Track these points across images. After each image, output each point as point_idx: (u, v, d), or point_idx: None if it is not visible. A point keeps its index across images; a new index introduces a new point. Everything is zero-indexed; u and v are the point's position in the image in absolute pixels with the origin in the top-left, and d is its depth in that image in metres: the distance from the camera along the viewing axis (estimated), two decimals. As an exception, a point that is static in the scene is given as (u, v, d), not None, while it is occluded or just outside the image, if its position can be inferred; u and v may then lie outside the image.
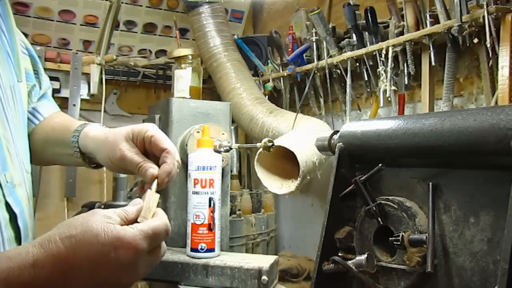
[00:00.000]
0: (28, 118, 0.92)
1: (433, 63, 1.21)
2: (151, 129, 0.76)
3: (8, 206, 0.72)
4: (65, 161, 0.93)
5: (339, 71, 1.50)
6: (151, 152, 0.76)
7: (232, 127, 1.55)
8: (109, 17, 1.75)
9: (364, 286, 0.79)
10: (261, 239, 1.50)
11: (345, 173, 0.84)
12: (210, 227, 1.08)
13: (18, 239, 0.74)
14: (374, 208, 0.75)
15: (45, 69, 1.74)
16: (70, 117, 0.99)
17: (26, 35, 1.40)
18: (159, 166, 0.74)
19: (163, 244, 0.64)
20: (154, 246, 0.60)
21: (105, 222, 0.56)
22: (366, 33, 1.38)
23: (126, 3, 1.90)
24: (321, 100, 1.63)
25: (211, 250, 1.09)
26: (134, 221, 0.61)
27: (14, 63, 0.83)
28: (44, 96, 0.99)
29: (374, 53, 1.34)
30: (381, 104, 1.32)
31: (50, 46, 1.91)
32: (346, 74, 1.45)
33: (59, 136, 0.89)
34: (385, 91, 1.30)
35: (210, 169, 1.09)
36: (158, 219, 0.62)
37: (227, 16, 2.00)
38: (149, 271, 0.60)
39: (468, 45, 1.11)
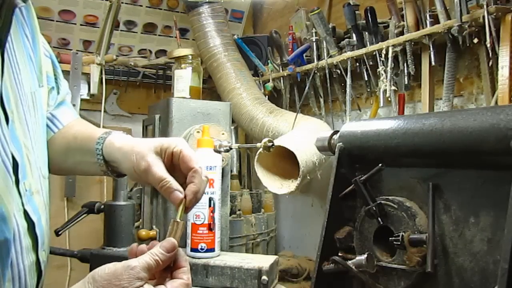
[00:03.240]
0: (46, 125, 0.90)
1: (433, 63, 1.21)
2: (180, 145, 0.73)
3: (26, 214, 0.71)
4: (87, 170, 0.90)
5: (339, 71, 1.50)
6: (179, 168, 0.74)
7: (232, 127, 1.55)
8: (109, 17, 1.75)
9: (364, 286, 0.79)
10: (261, 239, 1.50)
11: (345, 173, 0.84)
12: (210, 227, 1.08)
13: (35, 247, 0.74)
14: (374, 208, 0.75)
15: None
16: (91, 125, 0.96)
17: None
18: (185, 184, 0.72)
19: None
20: None
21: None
22: (366, 33, 1.38)
23: (126, 3, 1.90)
24: (321, 100, 1.63)
25: (211, 250, 1.09)
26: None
27: (36, 67, 0.83)
28: (63, 103, 0.97)
29: (374, 53, 1.34)
30: (381, 104, 1.32)
31: (50, 46, 1.90)
32: (346, 74, 1.45)
33: (82, 144, 0.87)
34: (385, 91, 1.30)
35: (210, 169, 1.09)
36: (179, 284, 0.64)
37: (227, 16, 2.00)
38: None
39: (468, 45, 1.11)
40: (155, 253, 0.62)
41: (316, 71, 1.56)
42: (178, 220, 0.68)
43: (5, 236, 0.64)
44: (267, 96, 1.78)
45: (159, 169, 0.73)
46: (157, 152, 0.74)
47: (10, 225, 0.65)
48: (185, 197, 0.71)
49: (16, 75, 0.74)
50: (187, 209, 0.71)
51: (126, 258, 0.63)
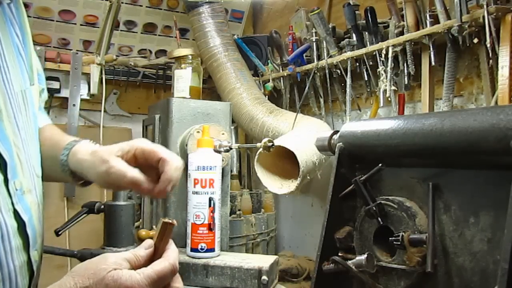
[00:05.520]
0: None
1: (433, 63, 1.21)
2: (141, 144, 0.76)
3: (16, 214, 0.71)
4: (53, 177, 0.90)
5: (339, 71, 1.50)
6: (147, 166, 0.76)
7: (232, 127, 1.55)
8: (109, 17, 1.75)
9: (364, 286, 0.79)
10: (261, 239, 1.50)
11: (345, 173, 0.84)
12: (210, 227, 1.08)
13: (27, 247, 0.73)
14: (374, 208, 0.75)
15: (45, 69, 1.74)
16: (59, 132, 0.95)
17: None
18: (158, 177, 0.74)
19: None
20: (161, 286, 0.64)
21: (113, 270, 0.61)
22: (366, 33, 1.38)
23: (126, 3, 1.90)
24: (321, 100, 1.63)
25: (211, 250, 1.09)
26: (144, 265, 0.64)
27: (27, 64, 0.82)
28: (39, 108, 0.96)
29: (374, 53, 1.34)
30: (381, 104, 1.32)
31: (50, 46, 1.91)
32: (346, 74, 1.46)
33: (48, 152, 0.87)
34: (385, 91, 1.30)
35: (210, 169, 1.09)
36: (163, 262, 0.64)
37: (227, 16, 2.00)
38: None
39: (468, 45, 1.11)
40: (132, 250, 0.66)
41: (316, 71, 1.56)
42: (167, 220, 0.70)
43: None
44: (267, 96, 1.78)
45: (120, 166, 0.74)
46: (119, 155, 0.76)
47: None
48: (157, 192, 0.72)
49: (4, 73, 0.73)
50: (161, 196, 0.73)
51: None
